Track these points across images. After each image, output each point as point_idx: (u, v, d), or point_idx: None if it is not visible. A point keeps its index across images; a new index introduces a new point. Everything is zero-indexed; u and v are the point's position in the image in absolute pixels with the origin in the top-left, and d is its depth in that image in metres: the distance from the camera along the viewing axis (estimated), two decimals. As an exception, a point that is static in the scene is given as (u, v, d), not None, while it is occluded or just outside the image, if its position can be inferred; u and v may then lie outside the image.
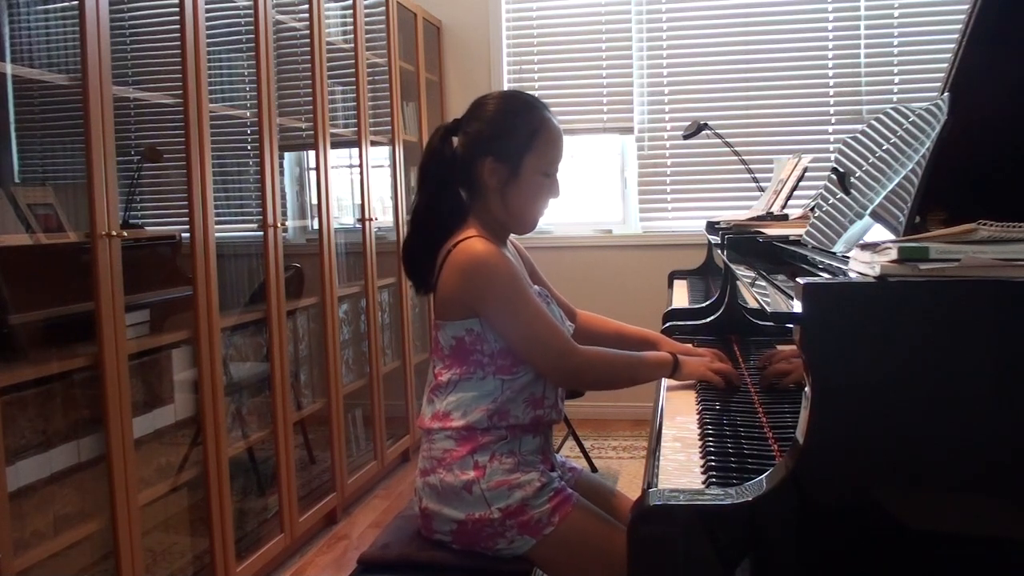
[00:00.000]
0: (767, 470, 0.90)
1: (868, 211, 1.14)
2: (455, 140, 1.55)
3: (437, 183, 1.53)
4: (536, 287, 1.56)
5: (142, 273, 2.14)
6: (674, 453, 1.15)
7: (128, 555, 1.86)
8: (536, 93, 2.20)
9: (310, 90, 2.81)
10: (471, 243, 1.45)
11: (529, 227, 1.57)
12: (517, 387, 1.47)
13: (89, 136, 1.77)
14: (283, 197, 3.08)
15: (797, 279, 0.87)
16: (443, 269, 1.48)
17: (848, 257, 1.01)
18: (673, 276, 3.33)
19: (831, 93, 3.85)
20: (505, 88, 4.15)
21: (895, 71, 3.77)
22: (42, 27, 2.22)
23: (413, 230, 1.56)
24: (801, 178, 2.41)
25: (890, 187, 1.08)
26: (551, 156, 1.53)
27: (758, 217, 2.15)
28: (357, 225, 3.25)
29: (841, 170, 1.25)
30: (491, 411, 1.45)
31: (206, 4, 2.16)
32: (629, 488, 3.03)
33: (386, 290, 3.48)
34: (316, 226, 2.88)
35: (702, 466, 1.08)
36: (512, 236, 1.63)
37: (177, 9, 2.10)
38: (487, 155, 1.49)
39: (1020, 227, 0.83)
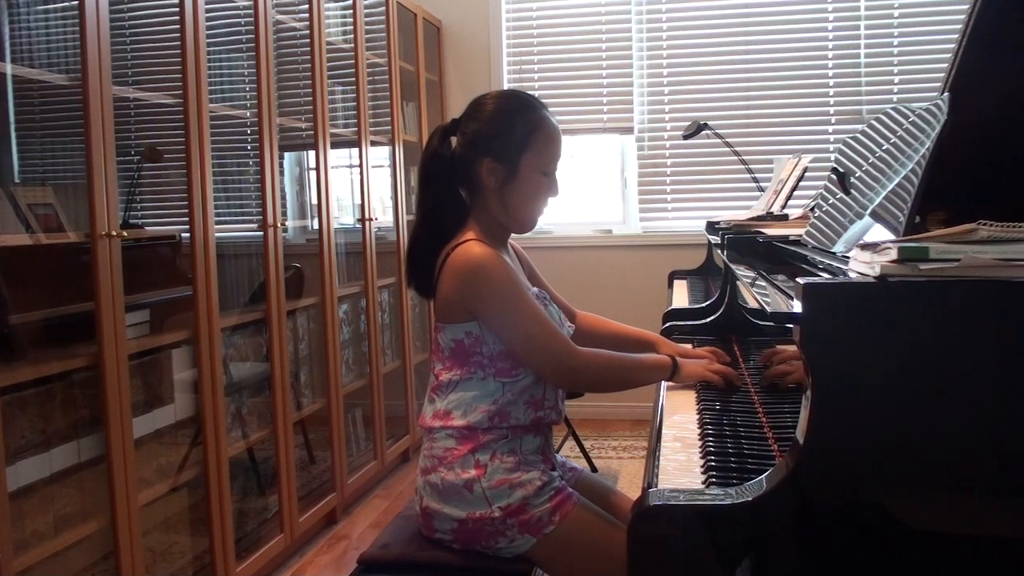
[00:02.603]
0: (767, 470, 0.90)
1: (868, 211, 1.14)
2: (453, 140, 1.55)
3: (438, 184, 1.54)
4: (534, 289, 1.56)
5: (142, 273, 2.14)
6: (674, 453, 1.15)
7: (128, 555, 1.86)
8: (536, 93, 2.20)
9: (310, 90, 2.81)
10: (468, 246, 1.45)
11: (528, 226, 1.57)
12: (518, 389, 1.47)
13: (89, 136, 1.77)
14: (283, 197, 3.07)
15: (797, 279, 0.87)
16: (442, 272, 1.48)
17: (848, 257, 1.01)
18: (673, 276, 3.33)
19: (831, 93, 3.85)
20: (504, 87, 4.15)
21: (895, 71, 3.77)
22: (42, 27, 2.22)
23: (417, 233, 1.56)
24: (801, 178, 2.41)
25: (890, 187, 1.08)
26: (549, 155, 1.53)
27: (758, 217, 2.15)
28: (357, 225, 3.25)
29: (841, 170, 1.25)
30: (492, 412, 1.45)
31: (206, 4, 2.16)
32: (629, 488, 3.03)
33: (386, 290, 3.48)
34: (316, 226, 2.88)
35: (702, 466, 1.08)
36: (511, 237, 1.63)
37: (177, 9, 2.10)
38: (485, 155, 1.50)
39: (1020, 227, 0.83)
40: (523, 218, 1.55)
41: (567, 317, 1.66)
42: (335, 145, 3.01)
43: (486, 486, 1.42)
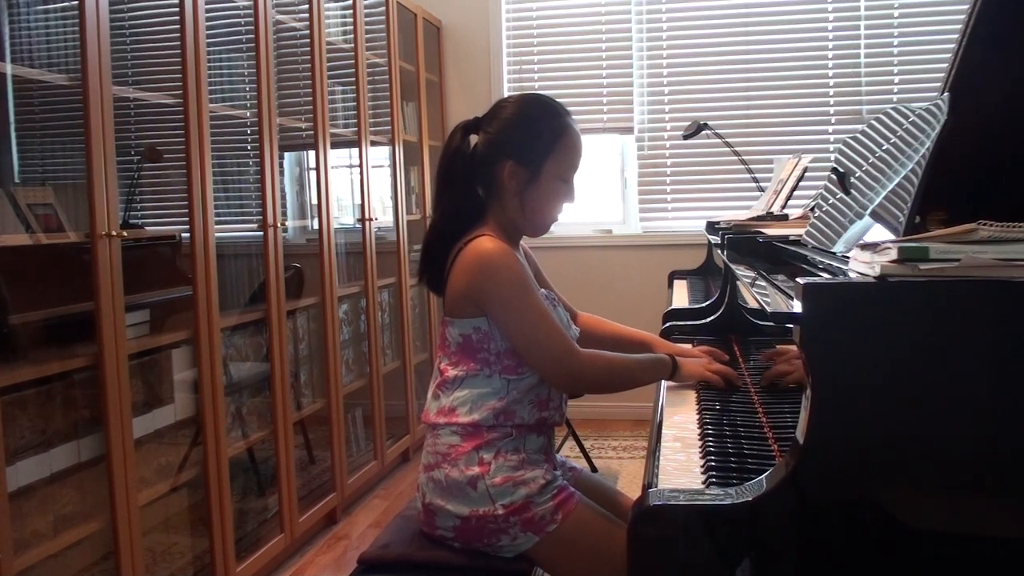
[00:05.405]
0: (767, 470, 0.90)
1: (868, 211, 1.14)
2: (473, 138, 1.55)
3: (458, 182, 1.54)
4: (543, 290, 1.56)
5: (142, 273, 2.14)
6: (674, 453, 1.15)
7: (128, 555, 1.86)
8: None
9: (310, 90, 2.81)
10: (481, 241, 1.46)
11: (542, 230, 1.57)
12: (523, 388, 1.48)
13: (89, 136, 1.77)
14: (283, 197, 3.08)
15: (797, 279, 0.87)
16: (453, 266, 1.49)
17: (848, 257, 1.01)
18: (673, 276, 3.33)
19: (831, 93, 3.85)
20: (504, 87, 4.16)
21: (895, 71, 3.77)
22: (42, 27, 2.22)
23: (436, 229, 1.56)
24: (801, 178, 2.41)
25: (890, 187, 1.08)
26: (571, 163, 1.54)
27: (758, 217, 2.15)
28: (357, 225, 3.25)
29: (841, 170, 1.25)
30: (498, 410, 1.46)
31: (206, 4, 2.16)
32: (629, 488, 3.03)
33: (386, 290, 3.48)
34: (316, 226, 2.88)
35: (702, 466, 1.08)
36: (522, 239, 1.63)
37: (177, 9, 2.10)
38: (508, 157, 1.50)
39: (1020, 227, 0.83)
40: (538, 222, 1.55)
41: (571, 319, 1.67)
42: (335, 145, 3.01)
43: (490, 483, 1.42)
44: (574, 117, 1.56)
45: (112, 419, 1.82)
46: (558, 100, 1.58)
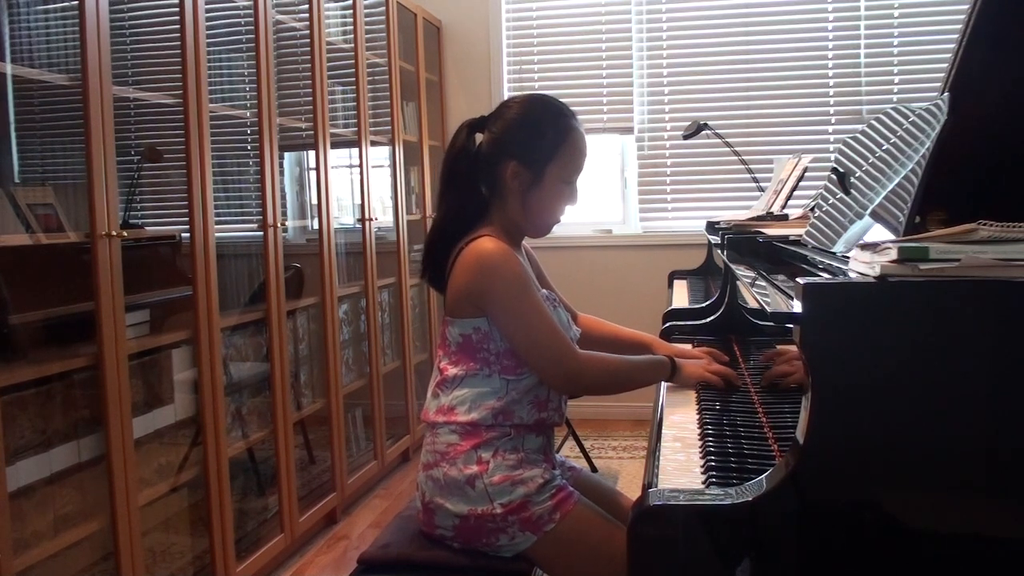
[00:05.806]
0: (767, 470, 0.90)
1: (868, 211, 1.14)
2: (479, 137, 1.56)
3: (462, 180, 1.54)
4: (544, 291, 1.56)
5: (142, 273, 2.14)
6: (674, 453, 1.15)
7: (128, 555, 1.86)
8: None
9: (310, 90, 2.81)
10: (481, 241, 1.46)
11: (544, 232, 1.57)
12: (522, 388, 1.48)
13: (89, 136, 1.77)
14: (283, 197, 3.08)
15: (797, 279, 0.87)
16: (454, 266, 1.49)
17: (848, 257, 1.01)
18: (673, 276, 3.33)
19: (831, 93, 3.85)
20: (504, 87, 4.15)
21: (895, 71, 3.77)
22: (42, 27, 2.22)
23: (439, 227, 1.56)
24: (801, 178, 2.41)
25: (890, 187, 1.08)
26: (575, 165, 1.54)
27: (758, 217, 2.15)
28: (357, 225, 3.25)
29: (841, 170, 1.25)
30: (496, 409, 1.46)
31: (206, 4, 2.16)
32: (629, 488, 3.03)
33: (386, 290, 3.48)
34: (316, 226, 2.89)
35: (702, 466, 1.08)
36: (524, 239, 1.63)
37: (177, 9, 2.10)
38: (512, 158, 1.50)
39: (1020, 227, 0.83)
40: (540, 223, 1.55)
41: (572, 320, 1.67)
42: (335, 145, 3.01)
43: (488, 482, 1.42)
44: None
45: (112, 419, 1.82)
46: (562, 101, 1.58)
